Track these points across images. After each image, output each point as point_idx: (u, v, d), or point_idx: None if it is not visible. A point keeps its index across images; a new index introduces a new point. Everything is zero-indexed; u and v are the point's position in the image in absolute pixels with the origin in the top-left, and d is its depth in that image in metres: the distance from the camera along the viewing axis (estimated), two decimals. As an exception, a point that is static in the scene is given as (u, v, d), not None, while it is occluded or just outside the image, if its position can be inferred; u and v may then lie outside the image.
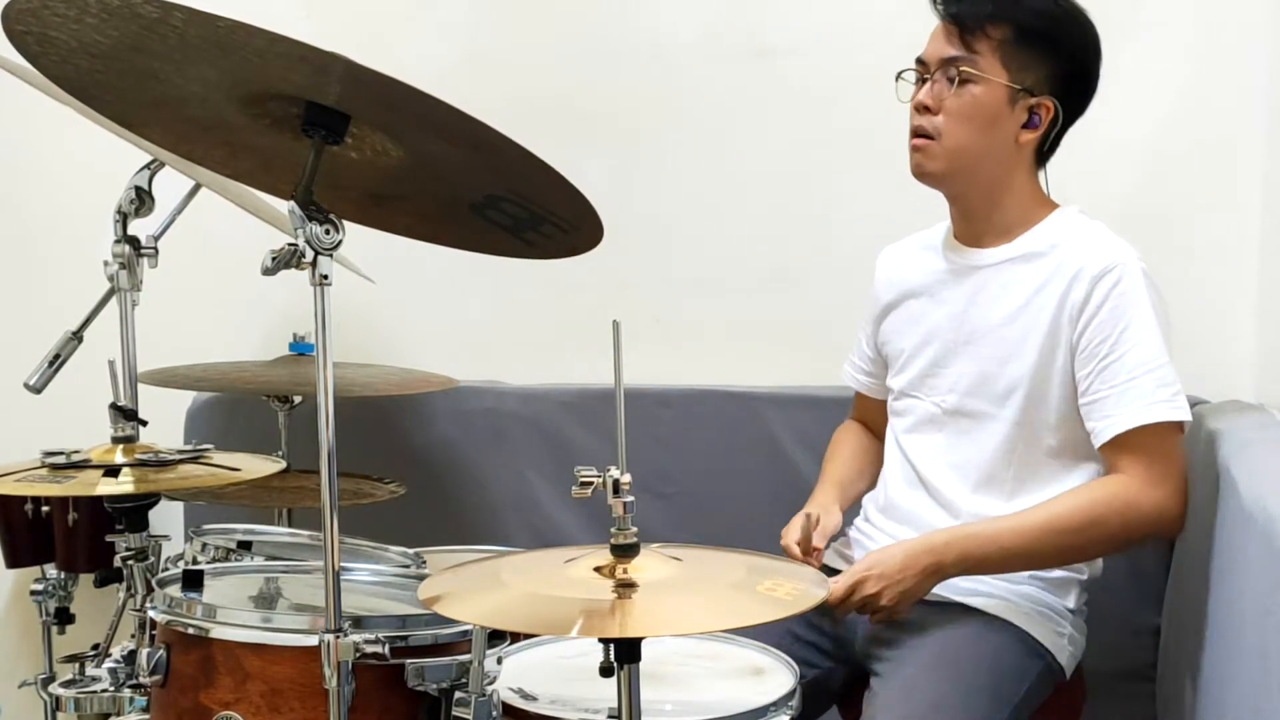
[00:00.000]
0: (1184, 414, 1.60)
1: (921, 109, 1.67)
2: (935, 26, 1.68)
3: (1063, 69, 1.66)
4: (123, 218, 1.83)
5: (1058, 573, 1.71)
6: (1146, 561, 2.03)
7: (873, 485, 1.89)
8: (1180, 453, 1.62)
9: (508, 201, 1.42)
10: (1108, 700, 1.96)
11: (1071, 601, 1.72)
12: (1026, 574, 1.69)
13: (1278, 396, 1.91)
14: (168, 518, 2.42)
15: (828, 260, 2.29)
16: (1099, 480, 1.64)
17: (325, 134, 1.30)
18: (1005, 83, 1.64)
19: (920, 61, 1.69)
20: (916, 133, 1.68)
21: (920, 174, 1.70)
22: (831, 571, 1.73)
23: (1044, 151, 1.72)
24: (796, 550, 1.70)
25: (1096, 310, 1.62)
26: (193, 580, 1.48)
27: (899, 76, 1.72)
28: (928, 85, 1.67)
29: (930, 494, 1.75)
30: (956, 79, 1.64)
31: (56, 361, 1.85)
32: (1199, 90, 2.11)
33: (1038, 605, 1.69)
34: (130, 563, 1.63)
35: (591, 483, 1.24)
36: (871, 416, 1.98)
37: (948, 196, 1.75)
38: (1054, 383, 1.65)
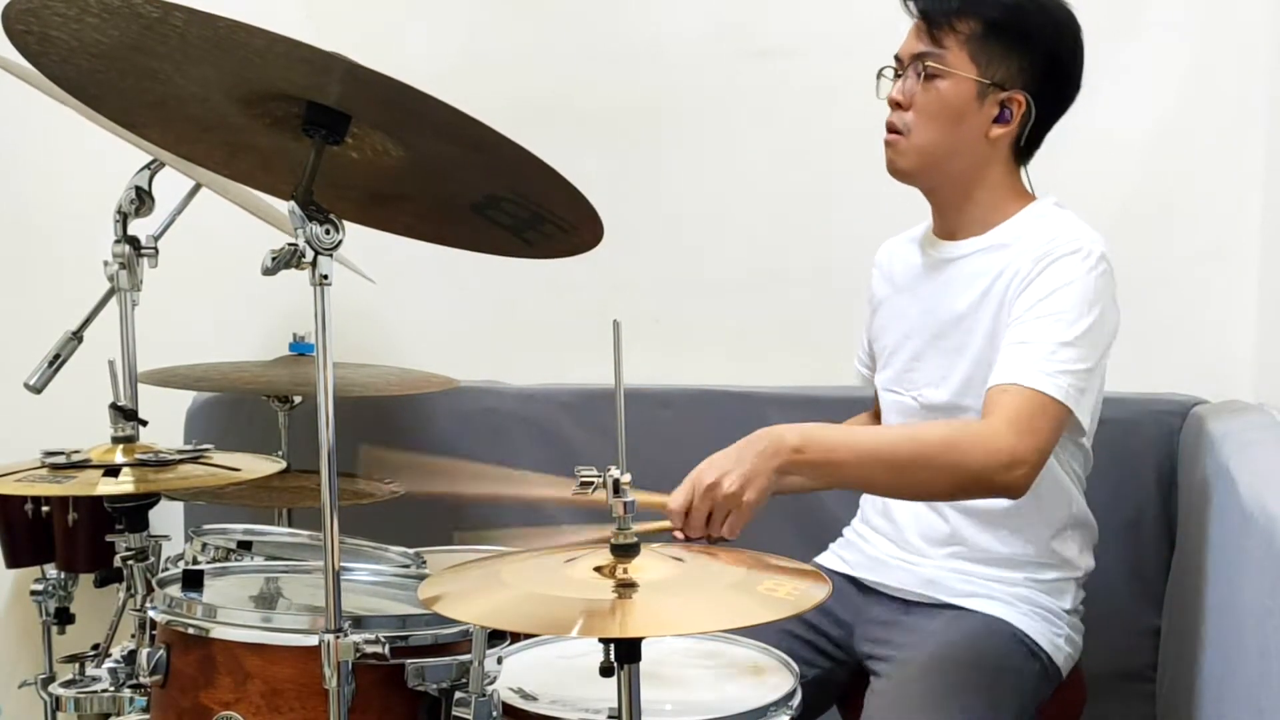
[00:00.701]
0: (1061, 394, 1.51)
1: (894, 105, 1.68)
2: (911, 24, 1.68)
3: (1035, 62, 1.65)
4: (123, 218, 1.83)
5: (1053, 574, 1.71)
6: (1146, 561, 2.03)
7: None
8: (1050, 435, 1.52)
9: (508, 201, 1.42)
10: (1108, 700, 1.96)
11: (1068, 602, 1.72)
12: (1023, 575, 1.69)
13: (1278, 396, 1.91)
14: (168, 518, 2.41)
15: (828, 260, 2.29)
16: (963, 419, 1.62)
17: (325, 134, 1.30)
18: (973, 77, 1.63)
19: (897, 58, 1.70)
20: (889, 128, 1.69)
21: (893, 170, 1.70)
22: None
23: (1024, 146, 1.69)
24: None
25: (1031, 283, 1.59)
26: (193, 580, 1.48)
27: (880, 74, 1.72)
28: (900, 81, 1.68)
29: None
30: (923, 74, 1.64)
31: (56, 361, 1.85)
32: (1200, 90, 2.11)
33: (1035, 606, 1.69)
34: (130, 563, 1.63)
35: (591, 482, 1.24)
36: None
37: (923, 191, 1.74)
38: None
